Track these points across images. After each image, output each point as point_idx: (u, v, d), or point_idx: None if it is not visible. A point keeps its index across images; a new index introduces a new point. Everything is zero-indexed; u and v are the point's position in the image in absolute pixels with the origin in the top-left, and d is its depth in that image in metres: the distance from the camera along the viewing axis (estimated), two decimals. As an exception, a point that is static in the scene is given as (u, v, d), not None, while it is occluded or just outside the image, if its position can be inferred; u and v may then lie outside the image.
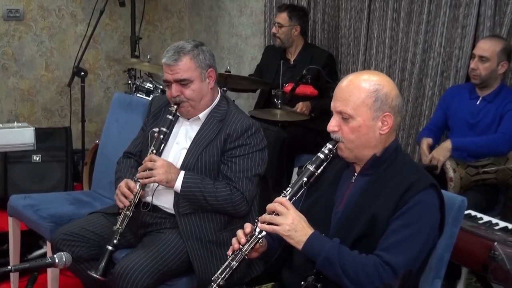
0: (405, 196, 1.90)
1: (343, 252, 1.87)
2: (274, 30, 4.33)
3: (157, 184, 2.64)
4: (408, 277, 1.85)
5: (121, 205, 2.60)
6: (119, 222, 2.58)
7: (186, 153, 2.65)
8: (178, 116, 2.74)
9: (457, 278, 3.19)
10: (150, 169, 2.55)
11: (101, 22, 4.85)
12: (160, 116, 2.77)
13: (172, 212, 2.63)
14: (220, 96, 2.74)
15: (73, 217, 2.99)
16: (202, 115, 2.68)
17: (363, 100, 1.95)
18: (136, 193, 2.57)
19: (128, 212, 2.58)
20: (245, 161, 2.59)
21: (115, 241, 2.55)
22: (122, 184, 2.61)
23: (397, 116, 1.99)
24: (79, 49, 4.75)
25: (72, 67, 4.67)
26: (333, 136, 2.02)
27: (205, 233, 2.58)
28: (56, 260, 1.95)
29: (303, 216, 1.95)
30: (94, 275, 2.49)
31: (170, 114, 2.65)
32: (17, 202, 3.25)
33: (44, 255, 3.49)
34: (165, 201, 2.65)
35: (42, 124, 5.20)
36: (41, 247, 3.62)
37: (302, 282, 1.95)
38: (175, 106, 2.64)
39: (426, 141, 3.43)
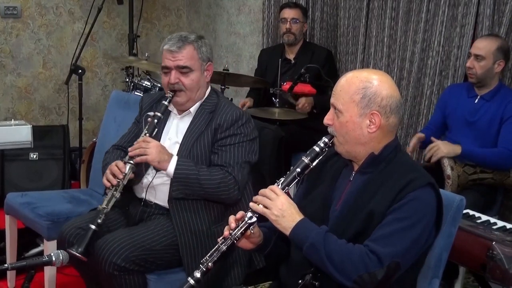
0: (402, 193, 1.89)
1: (329, 239, 1.87)
2: (287, 25, 4.28)
3: (151, 180, 2.62)
4: (395, 269, 1.84)
5: (107, 184, 2.51)
6: (105, 202, 2.48)
7: (179, 147, 2.63)
8: (170, 112, 2.73)
9: (455, 277, 3.20)
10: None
11: (99, 20, 4.85)
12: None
13: (166, 206, 2.61)
14: (210, 89, 2.75)
15: (70, 215, 2.98)
16: (193, 109, 2.69)
17: (351, 96, 1.96)
18: (126, 173, 2.50)
19: (115, 192, 2.49)
20: (236, 149, 2.60)
21: (99, 221, 2.44)
22: (112, 164, 2.54)
23: (389, 116, 1.96)
24: (77, 47, 4.74)
25: (69, 65, 4.67)
26: (329, 130, 2.04)
27: (199, 227, 2.57)
28: (53, 258, 1.95)
29: (293, 203, 1.96)
30: (75, 252, 2.36)
31: (165, 100, 2.63)
32: (14, 200, 3.24)
33: (41, 253, 3.47)
34: (159, 198, 2.64)
35: (39, 122, 5.19)
36: (38, 245, 3.60)
37: (300, 280, 1.95)
38: (171, 93, 2.63)
39: (417, 135, 3.45)
